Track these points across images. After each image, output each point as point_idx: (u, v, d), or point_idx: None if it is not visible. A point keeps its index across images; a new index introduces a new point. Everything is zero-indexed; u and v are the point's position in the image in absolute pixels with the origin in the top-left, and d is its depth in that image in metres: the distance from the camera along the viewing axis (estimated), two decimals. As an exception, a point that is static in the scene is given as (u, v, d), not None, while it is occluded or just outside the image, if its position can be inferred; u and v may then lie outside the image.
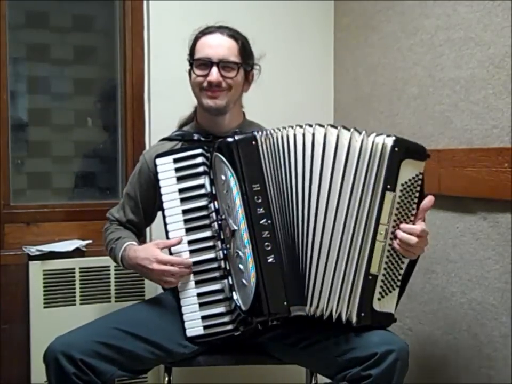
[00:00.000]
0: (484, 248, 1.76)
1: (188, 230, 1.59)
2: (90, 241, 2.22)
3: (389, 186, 1.47)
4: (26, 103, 2.33)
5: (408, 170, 1.47)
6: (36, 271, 2.11)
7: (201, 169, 1.60)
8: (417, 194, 1.48)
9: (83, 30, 2.40)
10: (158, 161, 1.63)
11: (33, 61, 2.34)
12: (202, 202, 1.59)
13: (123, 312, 1.66)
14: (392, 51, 2.16)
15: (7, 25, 2.17)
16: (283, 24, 2.44)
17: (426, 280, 1.98)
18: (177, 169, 1.61)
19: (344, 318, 1.48)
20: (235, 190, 1.49)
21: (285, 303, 1.48)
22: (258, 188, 1.49)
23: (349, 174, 1.47)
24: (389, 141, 1.47)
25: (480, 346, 1.78)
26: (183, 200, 1.60)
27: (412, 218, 1.49)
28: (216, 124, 1.74)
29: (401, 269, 1.50)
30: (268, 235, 1.48)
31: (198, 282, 1.58)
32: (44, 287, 2.11)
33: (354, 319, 1.48)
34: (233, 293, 1.52)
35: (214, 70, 1.65)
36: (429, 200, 1.49)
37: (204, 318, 1.57)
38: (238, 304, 1.51)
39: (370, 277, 1.47)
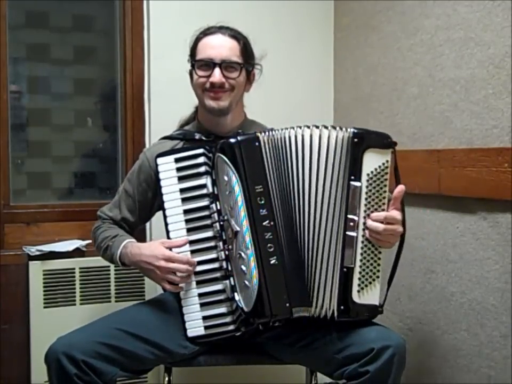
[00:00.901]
0: (484, 248, 1.76)
1: (189, 230, 1.59)
2: (90, 241, 2.21)
3: (353, 177, 1.47)
4: (26, 103, 2.33)
5: (373, 160, 1.47)
6: (36, 271, 2.11)
7: (202, 169, 1.59)
8: (386, 183, 1.48)
9: (83, 30, 2.40)
10: (159, 160, 1.62)
11: (33, 61, 2.34)
12: (203, 203, 1.59)
13: (124, 313, 1.65)
14: (392, 51, 2.16)
15: (7, 25, 2.17)
16: (283, 24, 2.44)
17: (426, 280, 1.98)
18: (178, 169, 1.61)
19: (329, 313, 1.49)
20: (237, 191, 1.49)
21: (287, 304, 1.48)
22: (261, 189, 1.49)
23: (321, 171, 1.50)
24: (349, 133, 1.48)
25: (480, 346, 1.78)
26: (184, 200, 1.60)
27: (384, 207, 1.49)
28: (218, 124, 1.73)
29: (379, 259, 1.49)
30: (270, 236, 1.49)
31: (199, 283, 1.58)
32: (44, 287, 2.11)
33: (335, 313, 1.48)
34: (235, 294, 1.53)
35: (217, 71, 1.65)
36: (399, 189, 1.49)
37: (205, 318, 1.58)
38: (240, 305, 1.51)
39: (345, 270, 1.47)
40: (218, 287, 1.57)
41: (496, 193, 1.68)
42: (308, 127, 1.51)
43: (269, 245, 1.48)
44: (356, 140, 1.48)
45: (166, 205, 1.61)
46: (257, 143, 1.50)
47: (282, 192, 1.51)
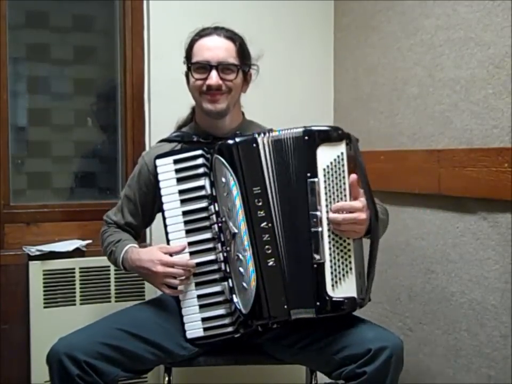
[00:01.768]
0: (484, 248, 1.76)
1: (188, 232, 1.59)
2: (90, 241, 2.22)
3: (309, 174, 1.47)
4: (26, 103, 2.34)
5: (327, 155, 1.47)
6: (36, 271, 2.11)
7: (201, 170, 1.59)
8: (344, 175, 1.47)
9: (83, 30, 2.40)
10: (158, 162, 1.62)
11: (33, 61, 2.34)
12: (202, 204, 1.58)
13: (125, 313, 1.66)
14: (392, 51, 2.16)
15: (7, 25, 2.17)
16: (283, 24, 2.44)
17: (426, 280, 1.98)
18: (177, 170, 1.61)
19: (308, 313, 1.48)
20: (235, 193, 1.49)
21: (285, 306, 1.48)
22: (259, 191, 1.49)
23: (287, 173, 1.49)
24: (299, 133, 1.48)
25: (480, 346, 1.78)
26: (183, 201, 1.60)
27: (346, 199, 1.47)
28: (216, 126, 1.72)
29: (349, 250, 1.47)
30: (268, 238, 1.48)
31: (198, 284, 1.58)
32: (44, 287, 2.11)
33: (313, 311, 1.47)
34: (234, 296, 1.53)
35: (214, 73, 1.63)
36: (351, 179, 1.46)
37: (204, 320, 1.58)
38: (239, 307, 1.51)
39: (315, 266, 1.46)
40: (217, 288, 1.57)
41: (496, 193, 1.68)
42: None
43: (266, 246, 1.48)
44: (306, 137, 1.48)
45: (165, 206, 1.61)
46: (255, 145, 1.50)
47: (280, 193, 1.50)
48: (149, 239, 2.27)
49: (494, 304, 1.73)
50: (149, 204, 1.75)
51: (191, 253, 1.58)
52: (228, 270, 1.54)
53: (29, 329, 2.11)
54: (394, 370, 1.43)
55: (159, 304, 1.71)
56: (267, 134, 1.51)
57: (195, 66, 1.67)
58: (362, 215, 1.45)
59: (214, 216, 1.56)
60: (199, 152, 1.60)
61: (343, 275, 1.47)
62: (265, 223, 1.49)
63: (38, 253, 2.11)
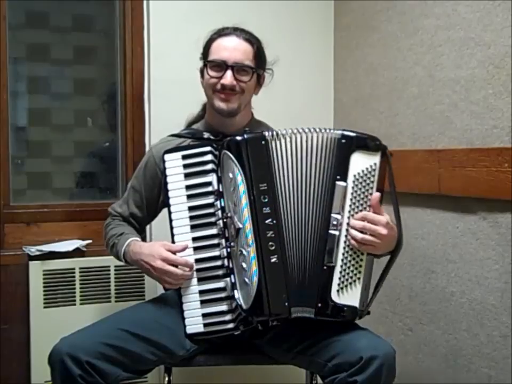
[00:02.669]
0: (484, 248, 1.76)
1: (193, 227, 1.59)
2: (90, 241, 2.22)
3: (338, 177, 1.48)
4: (26, 103, 2.33)
5: (360, 162, 1.48)
6: (36, 271, 2.11)
7: (209, 166, 1.60)
8: (373, 185, 1.48)
9: (83, 30, 2.40)
10: (167, 157, 1.63)
11: (33, 61, 2.34)
12: (208, 200, 1.59)
13: (126, 313, 1.66)
14: (392, 51, 2.16)
15: (7, 25, 2.17)
16: (283, 24, 2.44)
17: (426, 280, 1.98)
18: (185, 166, 1.61)
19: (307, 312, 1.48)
20: (242, 188, 1.50)
21: (286, 304, 1.48)
22: (265, 187, 1.50)
23: (306, 171, 1.51)
24: (337, 135, 1.50)
25: (480, 346, 1.78)
26: (189, 196, 1.60)
27: (370, 209, 1.48)
28: (226, 124, 1.74)
29: (361, 260, 1.48)
30: (273, 235, 1.49)
31: (200, 280, 1.58)
32: (44, 287, 2.11)
33: (313, 311, 1.48)
34: (235, 291, 1.53)
35: (229, 73, 1.65)
36: (374, 196, 1.48)
37: (204, 315, 1.58)
38: (239, 303, 1.51)
39: (325, 268, 1.47)
40: (219, 284, 1.57)
41: (496, 193, 1.68)
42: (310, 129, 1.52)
43: (270, 243, 1.49)
44: (343, 141, 1.49)
45: (171, 201, 1.61)
46: (263, 142, 1.51)
47: (288, 191, 1.51)
48: (149, 234, 2.27)
49: (494, 304, 1.73)
50: (154, 196, 1.76)
51: (195, 248, 1.58)
52: (231, 265, 1.54)
53: (29, 329, 2.11)
54: (386, 379, 1.42)
55: (160, 303, 1.71)
56: (274, 132, 1.52)
57: (211, 64, 1.69)
58: (383, 230, 1.46)
59: (219, 211, 1.56)
60: (208, 148, 1.61)
61: (350, 283, 1.48)
62: (270, 220, 1.49)
63: (38, 253, 2.11)
